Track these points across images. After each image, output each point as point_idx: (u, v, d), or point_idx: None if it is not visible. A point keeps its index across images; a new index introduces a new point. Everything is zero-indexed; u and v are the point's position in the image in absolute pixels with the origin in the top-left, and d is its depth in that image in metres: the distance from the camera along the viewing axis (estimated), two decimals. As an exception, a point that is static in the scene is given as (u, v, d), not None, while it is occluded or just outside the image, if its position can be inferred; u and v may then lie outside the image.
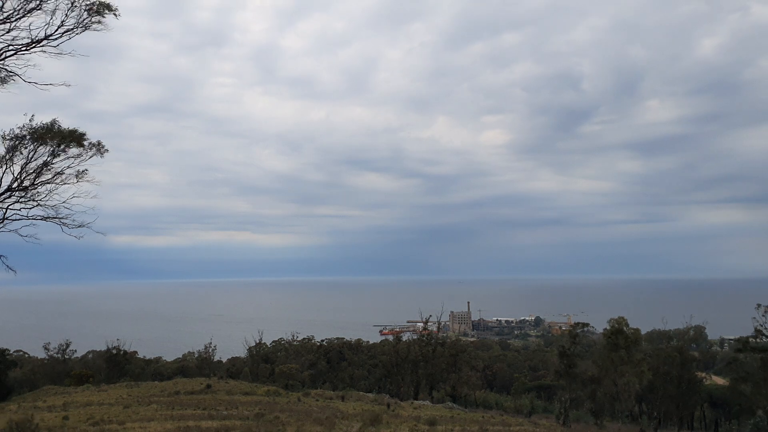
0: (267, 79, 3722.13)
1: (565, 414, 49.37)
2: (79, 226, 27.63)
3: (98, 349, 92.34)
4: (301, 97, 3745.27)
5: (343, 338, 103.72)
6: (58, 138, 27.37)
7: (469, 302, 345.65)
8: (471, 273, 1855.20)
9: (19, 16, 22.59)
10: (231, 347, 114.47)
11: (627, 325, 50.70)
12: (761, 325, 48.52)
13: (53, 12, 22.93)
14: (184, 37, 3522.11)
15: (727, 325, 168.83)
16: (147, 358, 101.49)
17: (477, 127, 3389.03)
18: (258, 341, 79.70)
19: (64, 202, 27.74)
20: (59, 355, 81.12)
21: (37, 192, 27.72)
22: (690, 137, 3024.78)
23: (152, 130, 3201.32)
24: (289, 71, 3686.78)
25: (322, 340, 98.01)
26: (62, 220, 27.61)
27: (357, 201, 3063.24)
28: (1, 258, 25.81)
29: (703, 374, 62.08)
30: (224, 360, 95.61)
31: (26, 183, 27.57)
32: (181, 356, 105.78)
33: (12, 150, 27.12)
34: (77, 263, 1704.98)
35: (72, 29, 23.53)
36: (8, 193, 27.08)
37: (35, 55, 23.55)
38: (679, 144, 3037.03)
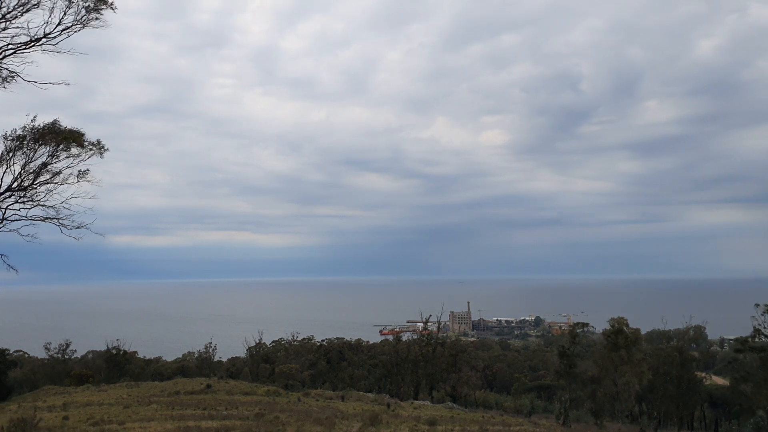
0: (267, 79, 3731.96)
1: (565, 414, 49.33)
2: (78, 227, 27.57)
3: (98, 349, 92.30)
4: (301, 98, 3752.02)
5: (343, 338, 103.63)
6: (58, 138, 27.32)
7: (469, 302, 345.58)
8: (471, 273, 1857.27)
9: (18, 14, 22.57)
10: (231, 347, 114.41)
11: (627, 325, 50.64)
12: (760, 325, 48.49)
13: (51, 9, 22.92)
14: (184, 38, 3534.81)
15: (727, 325, 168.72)
16: (147, 358, 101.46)
17: (476, 128, 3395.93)
18: (258, 341, 79.64)
19: (63, 202, 27.68)
20: (59, 355, 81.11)
21: (37, 192, 27.67)
22: (689, 138, 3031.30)
23: (152, 131, 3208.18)
24: (289, 72, 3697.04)
25: (322, 340, 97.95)
26: (61, 221, 27.55)
27: (357, 201, 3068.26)
28: (2, 257, 25.79)
29: (703, 374, 62.02)
30: (224, 360, 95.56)
31: (26, 183, 27.53)
32: (181, 356, 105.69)
33: (12, 150, 27.08)
34: (77, 263, 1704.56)
35: (71, 26, 23.51)
36: (8, 193, 27.04)
37: (34, 54, 23.56)
38: (678, 144, 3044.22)
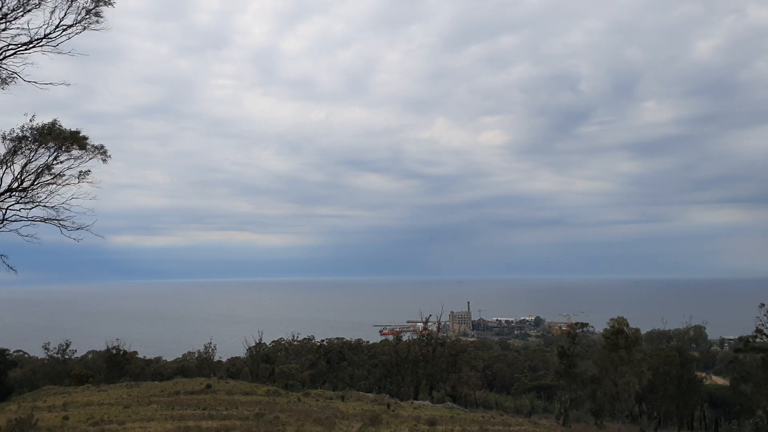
0: (267, 80, 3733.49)
1: (565, 414, 49.34)
2: (78, 228, 27.55)
3: (98, 349, 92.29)
4: (301, 99, 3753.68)
5: (343, 338, 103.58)
6: (60, 139, 27.30)
7: (469, 302, 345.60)
8: (471, 273, 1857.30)
9: (18, 14, 22.58)
10: (231, 347, 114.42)
11: (627, 325, 50.63)
12: (763, 325, 48.43)
13: (52, 10, 22.93)
14: (184, 39, 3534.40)
15: (727, 325, 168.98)
16: (147, 358, 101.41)
17: (476, 128, 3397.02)
18: (258, 341, 79.60)
19: (63, 203, 27.66)
20: (59, 355, 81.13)
21: (38, 193, 27.65)
22: (688, 138, 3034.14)
23: (153, 131, 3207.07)
24: (289, 73, 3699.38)
25: (322, 340, 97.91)
26: (62, 222, 27.53)
27: (357, 201, 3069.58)
28: (2, 258, 25.78)
29: (703, 374, 62.00)
30: (224, 360, 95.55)
31: (26, 183, 27.52)
32: (181, 356, 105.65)
33: (13, 151, 27.07)
34: (77, 263, 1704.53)
35: (71, 26, 23.51)
36: (8, 193, 27.03)
37: (35, 55, 23.56)
38: (677, 145, 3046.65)
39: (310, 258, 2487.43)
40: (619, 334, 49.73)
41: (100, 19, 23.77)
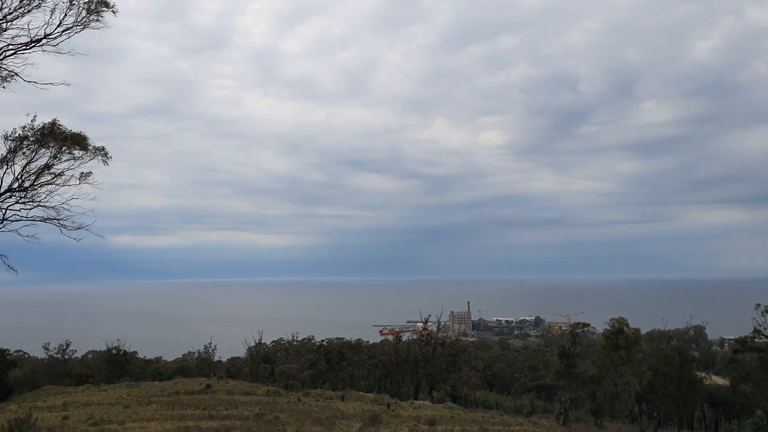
0: (267, 81, 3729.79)
1: (565, 414, 49.36)
2: (78, 228, 27.52)
3: (98, 349, 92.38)
4: (301, 99, 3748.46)
5: (343, 338, 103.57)
6: (61, 140, 27.28)
7: (469, 302, 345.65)
8: (471, 273, 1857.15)
9: (19, 15, 22.59)
10: (231, 347, 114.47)
11: (627, 325, 50.67)
12: (760, 325, 48.51)
13: (52, 11, 22.93)
14: (184, 40, 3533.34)
15: (727, 325, 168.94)
16: (147, 358, 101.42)
17: (475, 128, 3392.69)
18: (258, 341, 79.63)
19: (64, 203, 27.64)
20: (59, 355, 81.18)
21: (38, 193, 27.64)
22: (687, 138, 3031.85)
23: (153, 132, 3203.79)
24: (289, 73, 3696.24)
25: (322, 340, 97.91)
26: (62, 222, 27.52)
27: (357, 201, 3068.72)
28: (2, 258, 25.77)
29: (703, 374, 62.02)
30: (224, 360, 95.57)
31: (27, 184, 27.51)
32: (181, 356, 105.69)
33: (13, 151, 27.07)
34: (77, 263, 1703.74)
35: (71, 27, 23.52)
36: (8, 193, 27.03)
37: (35, 55, 23.55)
38: (676, 145, 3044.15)
39: (310, 258, 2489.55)
40: (620, 334, 49.76)
41: (101, 19, 23.77)
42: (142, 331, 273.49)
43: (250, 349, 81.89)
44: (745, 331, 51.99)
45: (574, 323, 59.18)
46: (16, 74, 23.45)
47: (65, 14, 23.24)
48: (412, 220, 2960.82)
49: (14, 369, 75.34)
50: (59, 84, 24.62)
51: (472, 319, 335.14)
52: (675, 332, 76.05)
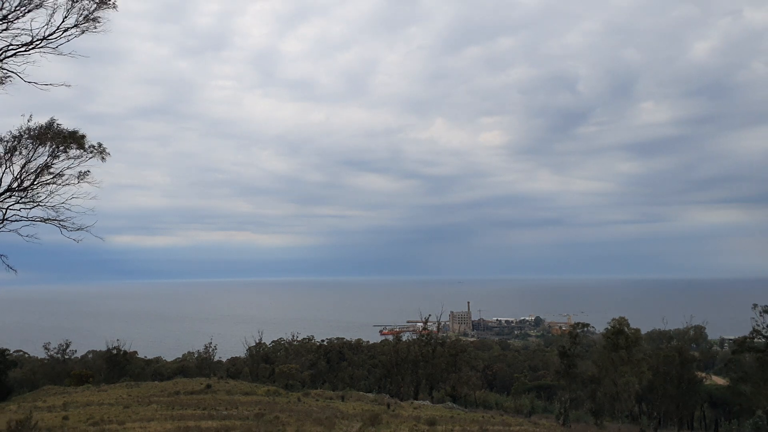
0: (267, 81, 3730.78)
1: (565, 414, 49.35)
2: (78, 229, 27.52)
3: (98, 349, 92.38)
4: (301, 99, 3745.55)
5: (343, 338, 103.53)
6: (59, 139, 27.29)
7: (469, 302, 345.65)
8: (471, 273, 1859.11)
9: (19, 15, 22.58)
10: (231, 347, 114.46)
11: (628, 325, 50.67)
12: (759, 325, 48.51)
13: (53, 12, 22.93)
14: (184, 41, 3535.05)
15: (727, 325, 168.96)
16: (147, 358, 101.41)
17: (475, 129, 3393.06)
18: (258, 341, 79.62)
19: (63, 203, 27.63)
20: (59, 355, 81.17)
21: (37, 193, 27.63)
22: (686, 138, 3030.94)
23: (153, 132, 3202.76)
24: (289, 74, 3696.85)
25: (322, 340, 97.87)
26: (62, 222, 27.51)
27: (357, 201, 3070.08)
28: (2, 258, 25.77)
29: (703, 374, 61.98)
30: (224, 360, 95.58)
31: (26, 183, 27.50)
32: (181, 356, 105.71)
33: (11, 150, 27.06)
34: (77, 263, 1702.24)
35: (72, 27, 23.51)
36: (8, 193, 27.02)
37: (35, 55, 23.54)
38: (676, 145, 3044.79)
39: (310, 258, 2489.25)
40: (620, 335, 49.76)
41: (101, 19, 23.78)
42: (142, 331, 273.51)
43: (250, 349, 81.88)
44: (745, 331, 51.97)
45: (574, 323, 59.18)
46: (17, 74, 23.46)
47: (66, 15, 23.25)
48: (411, 220, 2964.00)
49: (14, 369, 75.32)
50: (59, 85, 24.64)
51: (472, 319, 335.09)
52: (675, 332, 76.15)
